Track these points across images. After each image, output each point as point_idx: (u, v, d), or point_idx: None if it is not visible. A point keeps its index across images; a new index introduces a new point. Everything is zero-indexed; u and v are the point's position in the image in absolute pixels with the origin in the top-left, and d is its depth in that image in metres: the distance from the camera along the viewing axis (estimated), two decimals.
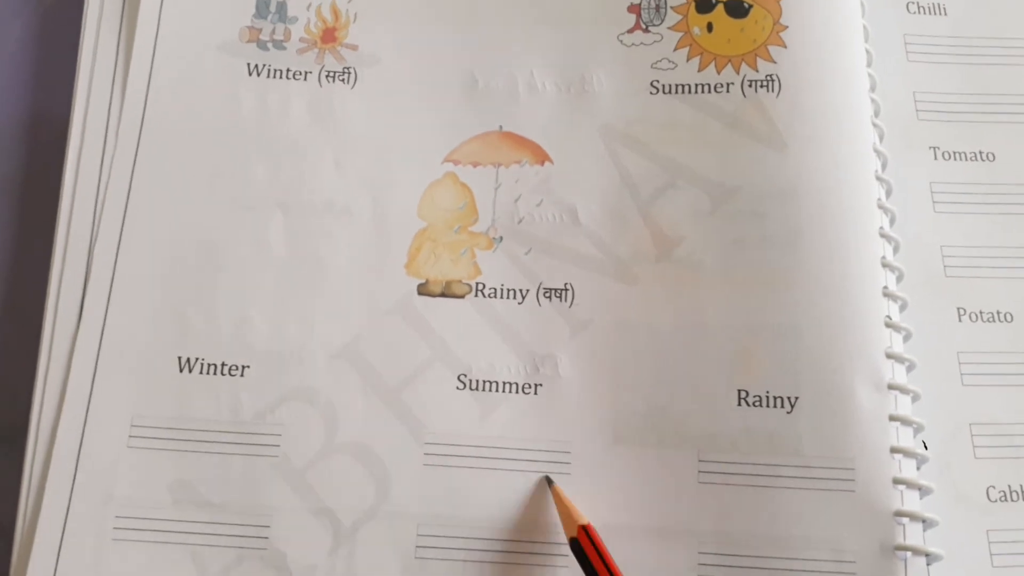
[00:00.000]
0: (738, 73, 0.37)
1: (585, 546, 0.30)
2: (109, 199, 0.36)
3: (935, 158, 0.39)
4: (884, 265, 0.35)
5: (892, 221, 0.36)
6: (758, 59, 0.37)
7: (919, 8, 0.42)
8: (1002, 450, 0.35)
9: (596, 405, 0.34)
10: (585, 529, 0.30)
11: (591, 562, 0.30)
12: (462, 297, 0.35)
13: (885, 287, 0.34)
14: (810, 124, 0.36)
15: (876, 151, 0.37)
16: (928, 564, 0.32)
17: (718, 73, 0.37)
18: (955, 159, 0.39)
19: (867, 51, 0.38)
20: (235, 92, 0.38)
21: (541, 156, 0.37)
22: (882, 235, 0.35)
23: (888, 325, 0.34)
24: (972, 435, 0.35)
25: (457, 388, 0.34)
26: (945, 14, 0.42)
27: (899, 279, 0.35)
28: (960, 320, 0.37)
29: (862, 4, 0.39)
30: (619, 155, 0.37)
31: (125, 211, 0.36)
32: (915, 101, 0.40)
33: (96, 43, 0.39)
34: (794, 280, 0.34)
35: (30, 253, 0.38)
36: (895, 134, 0.39)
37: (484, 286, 0.36)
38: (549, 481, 0.32)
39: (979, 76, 0.41)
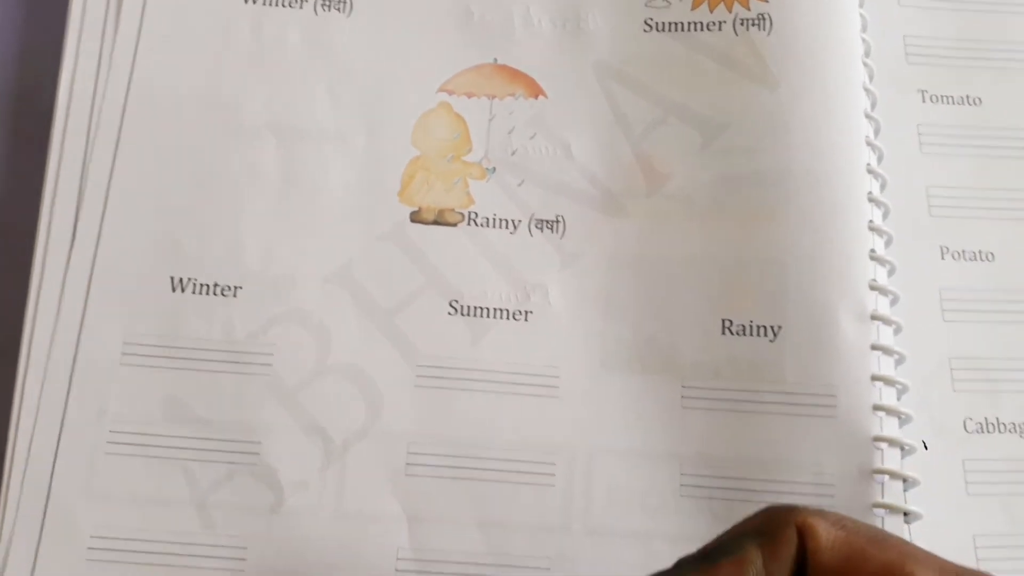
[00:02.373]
0: (730, 12, 0.38)
1: None
2: (103, 122, 0.36)
3: (923, 101, 0.40)
4: (871, 200, 0.35)
5: (880, 159, 0.37)
6: None
7: None
8: (980, 384, 0.36)
9: (584, 333, 0.35)
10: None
11: None
12: (455, 225, 0.36)
13: (871, 221, 0.35)
14: (801, 62, 0.37)
15: (866, 90, 0.37)
16: (905, 489, 0.32)
17: (711, 11, 0.38)
18: (943, 102, 0.40)
19: None
20: (231, 20, 0.38)
21: (535, 90, 0.38)
22: (869, 171, 0.36)
23: (873, 258, 0.35)
24: (951, 369, 0.36)
25: (449, 314, 0.35)
26: None
27: (885, 215, 0.36)
28: (943, 258, 0.38)
29: None
30: (612, 91, 0.38)
31: (119, 133, 0.36)
32: (905, 44, 0.41)
33: None
34: (781, 214, 0.35)
35: (23, 176, 0.38)
36: (884, 77, 0.39)
37: (477, 215, 0.36)
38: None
39: (969, 22, 0.41)
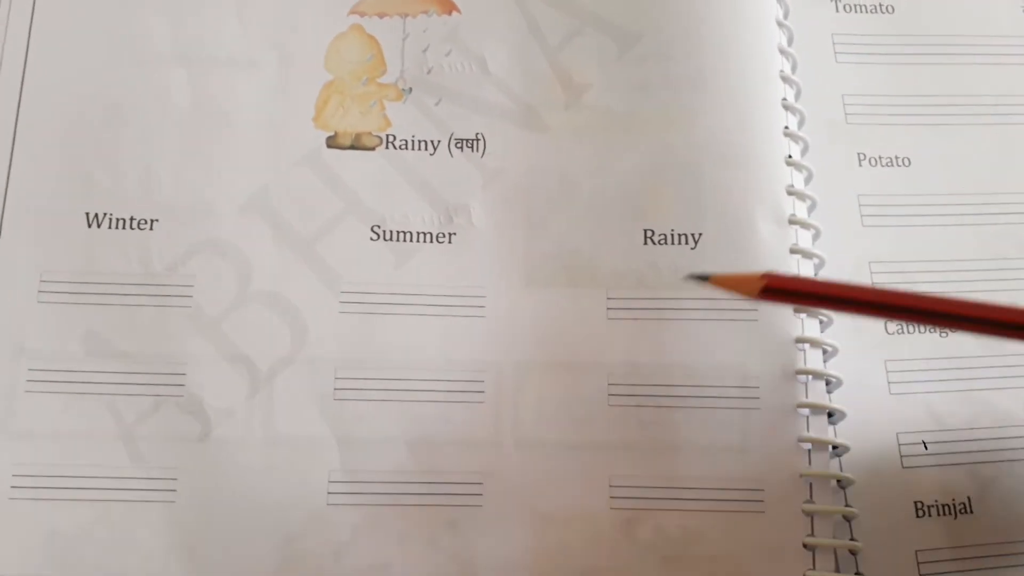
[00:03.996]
0: None
1: (779, 287, 0.26)
2: (6, 59, 0.35)
3: (837, 11, 0.40)
4: (786, 107, 0.35)
5: (794, 67, 0.37)
6: None
7: None
8: (899, 285, 0.36)
9: (509, 250, 0.34)
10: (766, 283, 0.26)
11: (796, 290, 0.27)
12: (372, 149, 0.35)
13: (786, 128, 0.35)
14: None
15: (780, 2, 0.37)
16: (828, 390, 0.33)
17: None
18: (856, 11, 0.40)
19: None
20: None
21: (448, 6, 0.37)
22: (783, 78, 0.36)
23: (789, 164, 0.35)
24: (871, 272, 0.36)
25: (371, 239, 0.34)
26: None
27: (801, 123, 0.36)
28: (860, 164, 0.38)
29: None
30: (526, 4, 0.37)
31: (23, 72, 0.35)
32: None
33: None
34: (697, 121, 0.35)
35: None
36: None
37: (395, 138, 0.35)
38: (700, 276, 0.28)
39: None
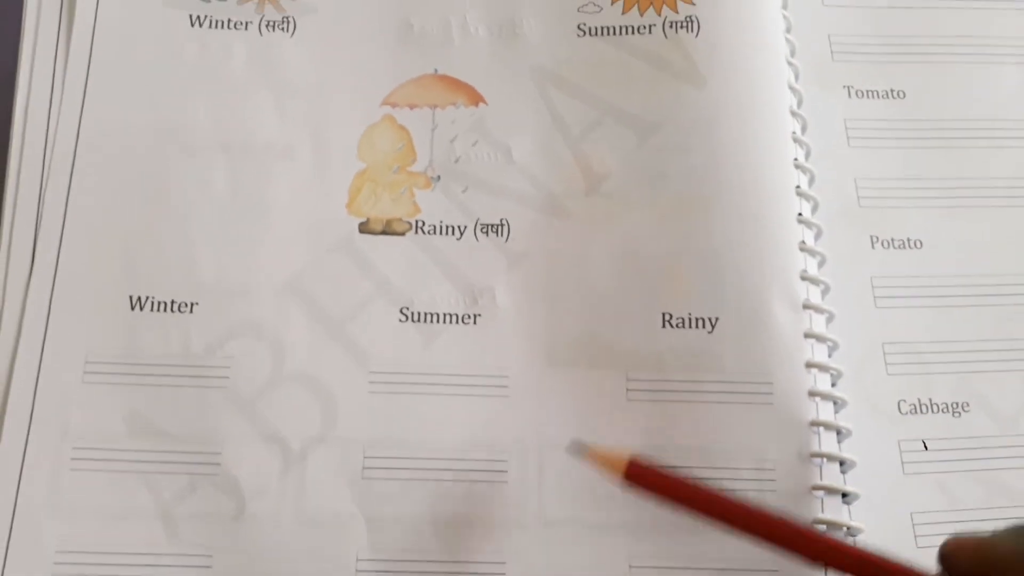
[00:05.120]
0: (659, 15, 0.38)
1: (639, 476, 0.29)
2: (58, 147, 0.37)
3: (849, 96, 0.41)
4: (799, 194, 0.36)
5: (808, 154, 0.38)
6: (678, 1, 0.38)
7: None
8: (912, 367, 0.36)
9: (531, 332, 0.35)
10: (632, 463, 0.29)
11: (654, 484, 0.29)
12: (403, 234, 0.36)
13: (800, 214, 0.36)
14: (727, 62, 0.37)
15: (791, 88, 0.38)
16: (843, 471, 0.33)
17: (641, 15, 0.38)
18: (868, 97, 0.41)
19: None
20: (178, 42, 0.38)
21: (475, 98, 0.38)
22: (797, 166, 0.37)
23: (803, 249, 0.35)
24: (885, 353, 0.37)
25: (400, 320, 0.35)
26: None
27: (814, 209, 0.37)
28: (873, 247, 0.38)
29: None
30: (549, 95, 0.38)
31: (73, 158, 0.37)
32: (830, 43, 0.42)
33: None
34: (714, 209, 0.35)
35: None
36: (812, 75, 0.40)
37: (424, 223, 0.36)
38: (580, 449, 0.30)
39: (890, 19, 0.42)
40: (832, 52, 0.41)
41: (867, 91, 0.41)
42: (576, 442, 0.31)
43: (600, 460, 0.29)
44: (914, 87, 0.41)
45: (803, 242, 0.35)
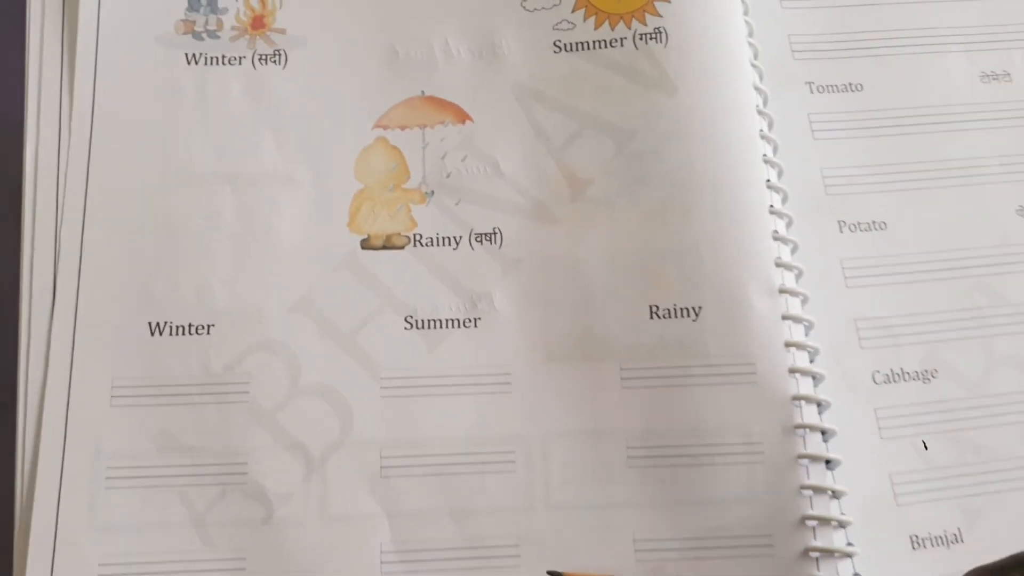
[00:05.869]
0: (629, 28, 0.40)
1: None
2: (70, 188, 0.38)
3: (811, 92, 0.43)
4: (769, 187, 0.38)
5: (775, 150, 0.40)
6: (646, 14, 0.40)
7: None
8: (883, 340, 0.38)
9: (529, 331, 0.37)
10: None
11: None
12: (402, 248, 0.38)
13: (771, 206, 0.38)
14: (696, 69, 0.39)
15: (757, 89, 0.40)
16: (824, 440, 0.35)
17: (612, 29, 0.40)
18: (828, 92, 0.43)
19: (743, 1, 0.41)
20: (176, 80, 0.40)
21: (462, 116, 0.40)
22: (766, 161, 0.39)
23: (776, 238, 0.37)
24: (857, 329, 0.39)
25: (405, 328, 0.37)
26: None
27: (784, 200, 0.39)
28: (841, 232, 0.40)
29: None
30: (531, 110, 0.40)
31: (85, 198, 0.38)
32: (791, 43, 0.44)
33: (41, 45, 0.40)
34: (691, 207, 0.37)
35: (2, 246, 0.39)
36: (774, 74, 0.42)
37: (421, 236, 0.38)
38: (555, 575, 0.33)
39: (845, 16, 0.44)
40: (792, 51, 0.43)
41: (827, 86, 0.43)
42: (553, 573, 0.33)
43: None
44: (871, 80, 0.43)
45: (776, 232, 0.37)
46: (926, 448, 0.37)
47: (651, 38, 0.40)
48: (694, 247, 0.37)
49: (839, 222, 0.40)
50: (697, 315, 0.36)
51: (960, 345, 0.39)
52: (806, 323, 0.36)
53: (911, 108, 0.43)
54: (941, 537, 0.35)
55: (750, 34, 0.41)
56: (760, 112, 0.39)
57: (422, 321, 0.37)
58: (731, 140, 0.38)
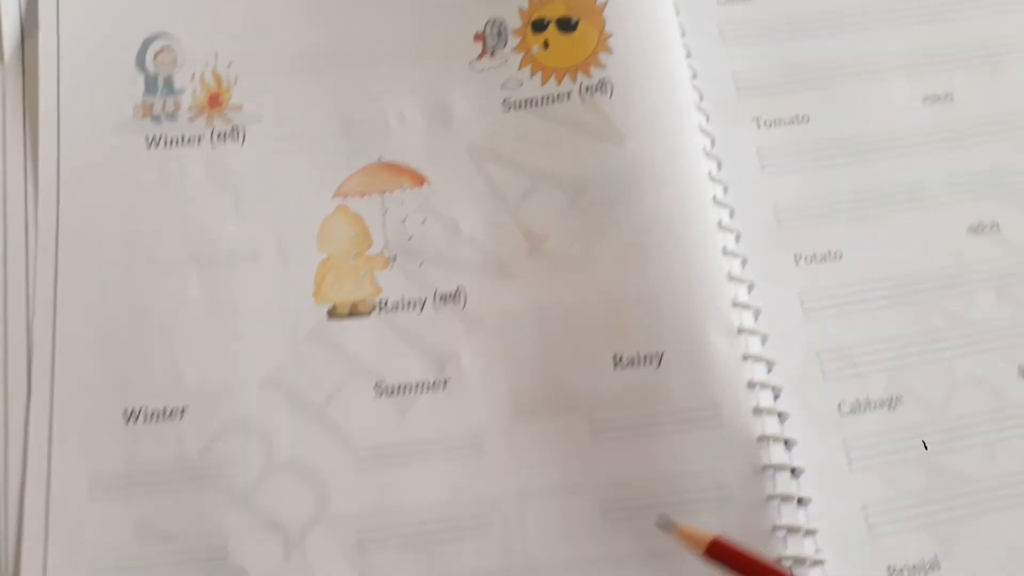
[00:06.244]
0: (575, 82, 0.40)
1: (719, 554, 0.32)
2: (39, 278, 0.38)
3: (758, 128, 0.43)
4: (722, 228, 0.38)
5: (725, 190, 0.40)
6: (591, 67, 0.40)
7: None
8: (846, 371, 0.39)
9: (497, 389, 0.37)
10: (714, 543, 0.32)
11: (732, 561, 0.32)
12: (368, 314, 0.38)
13: (725, 247, 0.38)
14: (642, 118, 0.39)
15: (703, 131, 0.40)
16: (794, 477, 0.35)
17: (558, 84, 0.40)
18: (775, 126, 0.43)
19: (685, 45, 0.42)
20: (137, 165, 0.40)
21: (419, 179, 0.40)
22: (717, 203, 0.39)
23: (732, 279, 0.37)
24: (820, 361, 0.39)
25: (375, 397, 0.37)
26: (750, 1, 0.45)
27: (738, 239, 0.39)
28: (797, 265, 0.40)
29: (675, 5, 0.42)
30: (486, 169, 0.40)
31: (55, 288, 0.38)
32: (735, 80, 0.44)
33: (4, 137, 0.40)
34: (646, 254, 0.37)
35: None
36: (721, 113, 0.42)
37: (386, 301, 0.38)
38: (666, 522, 0.33)
39: (786, 51, 0.44)
40: (737, 89, 0.43)
41: (774, 120, 0.43)
42: (663, 517, 0.33)
43: (685, 536, 0.32)
44: (816, 111, 0.43)
45: (731, 272, 0.37)
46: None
47: (596, 90, 0.40)
48: (652, 294, 0.37)
49: (795, 255, 0.40)
50: (660, 362, 0.36)
51: (922, 369, 0.39)
52: (767, 362, 0.36)
53: (857, 136, 0.43)
54: (918, 566, 0.35)
55: (694, 76, 0.41)
56: (708, 154, 0.39)
57: (391, 388, 0.37)
58: (681, 185, 0.38)
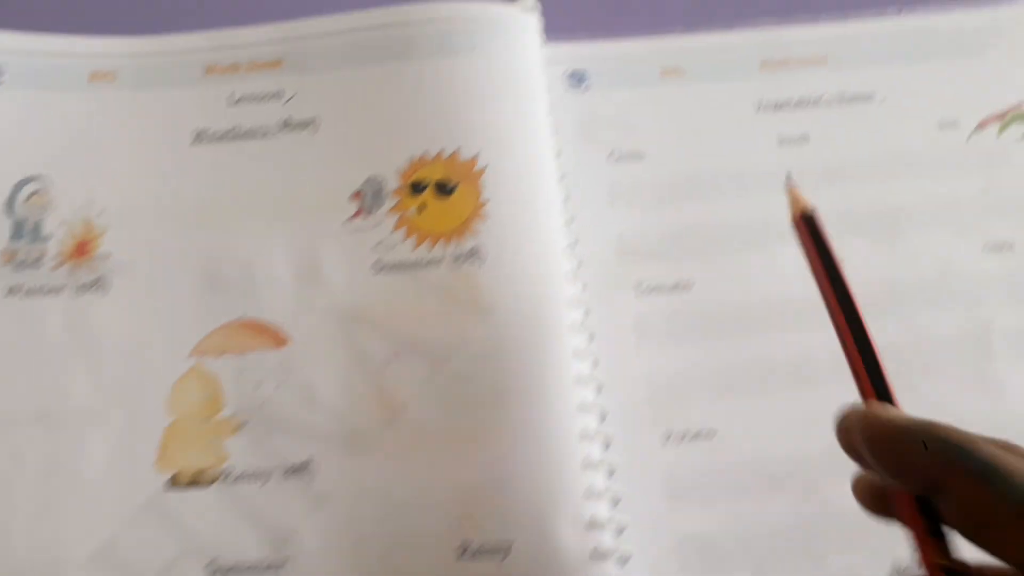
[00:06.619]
0: (447, 248, 0.39)
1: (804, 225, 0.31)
2: None
3: (638, 294, 0.41)
4: (583, 409, 0.36)
5: (596, 363, 0.38)
6: (464, 234, 0.39)
7: (621, 155, 0.44)
8: (711, 563, 0.36)
9: (337, 572, 0.34)
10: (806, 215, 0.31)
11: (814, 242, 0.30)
12: (210, 484, 0.36)
13: (584, 429, 0.36)
14: (511, 290, 0.38)
15: (576, 302, 0.38)
16: None
17: (431, 249, 0.39)
18: (656, 292, 0.41)
19: (568, 211, 0.40)
20: None
21: (280, 340, 0.38)
22: (580, 381, 0.37)
23: (587, 466, 0.35)
24: (681, 551, 0.36)
25: None
26: (643, 159, 0.44)
27: (603, 418, 0.37)
28: (665, 444, 0.38)
29: (564, 165, 0.41)
30: (350, 332, 0.38)
31: None
32: (619, 243, 0.42)
33: None
34: (501, 436, 0.36)
35: None
36: (601, 278, 0.41)
37: (231, 471, 0.36)
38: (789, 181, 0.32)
39: (675, 211, 0.43)
40: (620, 253, 0.42)
41: (655, 287, 0.41)
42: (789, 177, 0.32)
43: (794, 196, 0.31)
44: (701, 277, 0.42)
45: (588, 457, 0.35)
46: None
47: (467, 258, 0.39)
48: (505, 479, 0.35)
49: (664, 431, 0.38)
50: (507, 554, 0.34)
51: (792, 563, 0.36)
52: (618, 556, 0.34)
53: (742, 306, 0.42)
54: None
55: (574, 243, 0.40)
56: (577, 327, 0.38)
57: (225, 567, 0.35)
58: (544, 364, 0.37)
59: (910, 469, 0.24)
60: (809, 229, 0.30)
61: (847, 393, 0.39)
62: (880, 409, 0.26)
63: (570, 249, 0.40)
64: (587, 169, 0.43)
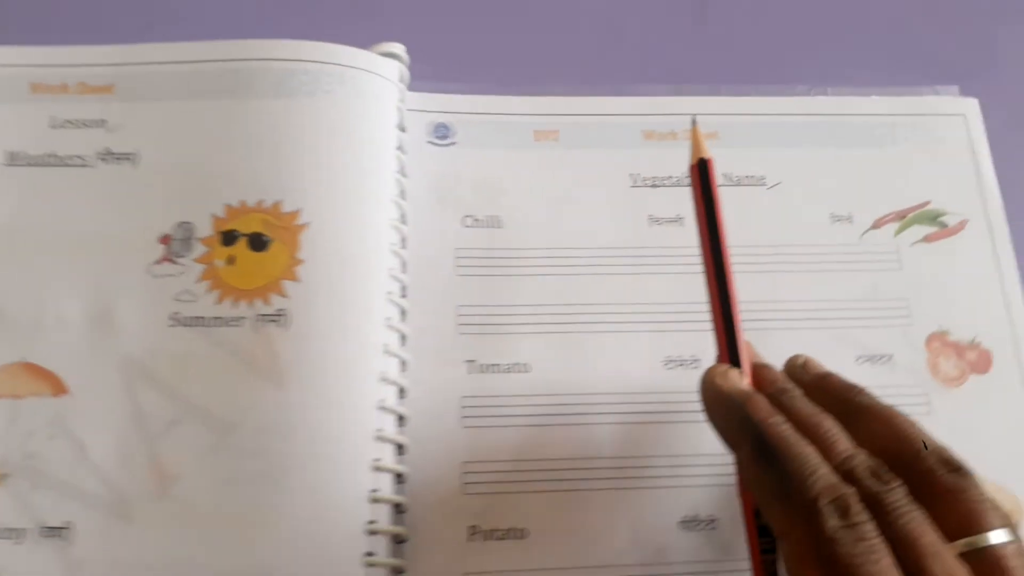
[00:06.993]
0: (251, 307, 0.35)
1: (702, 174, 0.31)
2: None
3: (469, 372, 0.38)
4: (377, 500, 0.33)
5: (400, 449, 0.34)
6: (272, 294, 0.35)
7: (476, 220, 0.40)
8: None
9: None
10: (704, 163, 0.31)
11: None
12: None
13: (373, 522, 0.32)
14: (313, 361, 0.34)
15: (386, 381, 0.35)
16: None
17: (234, 306, 0.35)
18: (489, 372, 0.38)
19: (399, 280, 0.37)
20: None
21: (59, 388, 0.35)
22: (378, 468, 0.33)
23: (371, 564, 0.32)
24: None
25: None
26: (500, 227, 0.40)
27: (401, 509, 0.34)
28: (471, 539, 0.35)
29: (410, 230, 0.37)
30: (135, 388, 0.35)
31: None
32: (457, 318, 0.39)
33: None
34: (278, 519, 0.32)
35: None
36: (432, 352, 0.38)
37: None
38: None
39: (516, 288, 0.39)
40: (458, 329, 0.38)
41: (488, 365, 0.38)
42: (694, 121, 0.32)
43: (696, 142, 0.32)
44: (538, 359, 0.38)
45: (371, 556, 0.32)
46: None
47: (271, 320, 0.35)
48: (275, 568, 0.31)
49: (471, 528, 0.35)
50: None
51: None
52: None
53: (583, 395, 0.38)
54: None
55: (402, 316, 0.36)
56: (384, 409, 0.34)
57: None
58: (341, 442, 0.33)
59: (722, 433, 0.29)
60: (701, 177, 0.31)
61: (676, 500, 0.36)
62: (719, 374, 0.29)
63: (399, 320, 0.36)
64: (436, 233, 0.39)
